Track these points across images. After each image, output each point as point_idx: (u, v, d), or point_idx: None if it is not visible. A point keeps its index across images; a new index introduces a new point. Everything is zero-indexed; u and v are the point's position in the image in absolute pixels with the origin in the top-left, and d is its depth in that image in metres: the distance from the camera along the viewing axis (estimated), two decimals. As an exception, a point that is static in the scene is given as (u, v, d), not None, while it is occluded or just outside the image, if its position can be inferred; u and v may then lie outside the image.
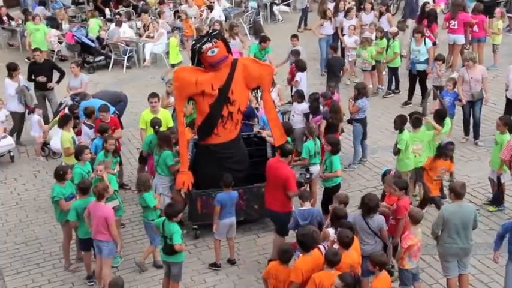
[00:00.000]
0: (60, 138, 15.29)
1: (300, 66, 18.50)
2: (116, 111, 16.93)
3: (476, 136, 17.04)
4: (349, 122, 16.71)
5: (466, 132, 17.33)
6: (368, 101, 16.74)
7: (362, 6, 23.90)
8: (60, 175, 12.75)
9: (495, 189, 14.28)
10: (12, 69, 18.22)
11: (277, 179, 12.54)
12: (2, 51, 25.30)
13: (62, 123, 15.36)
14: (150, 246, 12.80)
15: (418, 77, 19.46)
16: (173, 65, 21.12)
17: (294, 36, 20.49)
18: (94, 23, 25.07)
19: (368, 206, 11.20)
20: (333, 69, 19.61)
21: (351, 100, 16.52)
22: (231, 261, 12.78)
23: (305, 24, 27.68)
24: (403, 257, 11.13)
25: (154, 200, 12.48)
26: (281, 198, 12.52)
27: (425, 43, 19.20)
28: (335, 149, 13.52)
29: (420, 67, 19.12)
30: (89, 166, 13.58)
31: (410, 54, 19.47)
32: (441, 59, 18.50)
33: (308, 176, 13.85)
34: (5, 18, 26.48)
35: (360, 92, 16.46)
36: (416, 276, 11.41)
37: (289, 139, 14.23)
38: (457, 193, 11.01)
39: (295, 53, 19.22)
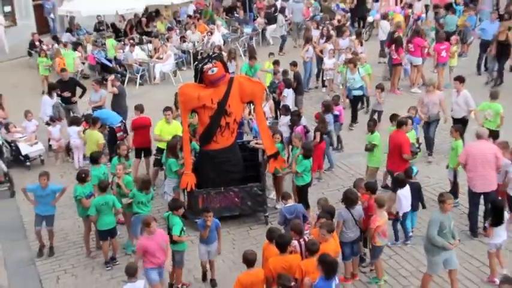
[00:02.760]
0: (93, 137, 15.72)
1: (287, 84, 18.51)
2: (123, 121, 17.15)
3: (429, 153, 16.67)
4: None
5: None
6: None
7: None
8: (82, 178, 12.82)
9: (451, 186, 14.38)
10: (52, 88, 18.41)
11: (395, 145, 13.83)
12: (34, 71, 25.17)
13: (92, 124, 15.85)
14: None
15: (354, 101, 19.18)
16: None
17: (276, 62, 19.99)
18: (109, 44, 25.03)
19: (351, 199, 11.39)
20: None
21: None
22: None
23: (281, 49, 27.51)
24: (374, 236, 11.37)
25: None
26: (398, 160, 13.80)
27: (358, 72, 18.87)
28: (307, 154, 13.55)
29: (355, 93, 18.86)
30: (104, 168, 13.66)
31: (347, 82, 19.12)
32: (380, 87, 18.29)
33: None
34: (37, 43, 26.45)
35: (326, 108, 16.51)
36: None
37: (279, 145, 14.33)
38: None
39: (284, 72, 19.13)
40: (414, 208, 12.92)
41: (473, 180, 12.59)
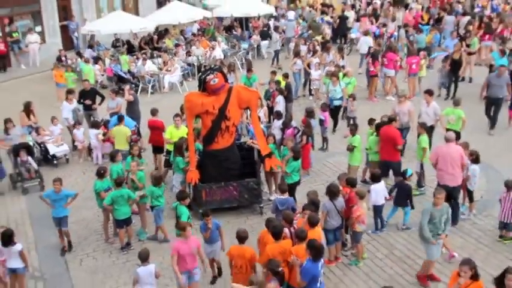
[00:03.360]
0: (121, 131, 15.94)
1: (280, 91, 18.52)
2: (136, 125, 17.10)
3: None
4: None
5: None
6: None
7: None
8: (101, 174, 12.83)
9: (418, 176, 14.54)
10: (68, 92, 18.37)
11: (388, 138, 14.00)
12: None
13: (119, 122, 16.10)
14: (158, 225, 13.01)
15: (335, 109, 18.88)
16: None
17: (273, 72, 20.24)
18: (123, 59, 25.01)
19: (333, 192, 11.41)
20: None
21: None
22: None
23: (277, 62, 27.39)
24: (354, 223, 11.44)
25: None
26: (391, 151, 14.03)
27: (339, 84, 18.71)
28: (296, 156, 13.53)
29: (336, 103, 18.63)
30: (121, 165, 13.65)
31: (329, 93, 18.88)
32: (352, 97, 18.24)
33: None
34: (63, 58, 26.42)
35: (309, 114, 16.46)
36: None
37: (272, 146, 14.28)
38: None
39: (277, 82, 19.03)
40: (400, 204, 12.83)
41: (443, 177, 12.58)
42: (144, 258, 9.91)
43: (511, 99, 16.84)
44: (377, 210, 12.78)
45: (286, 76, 19.85)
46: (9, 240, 10.55)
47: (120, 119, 16.15)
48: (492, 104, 16.62)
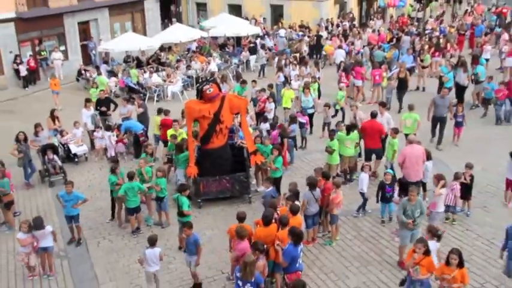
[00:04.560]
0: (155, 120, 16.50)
1: (272, 96, 18.74)
2: (144, 128, 17.03)
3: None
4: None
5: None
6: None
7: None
8: (113, 170, 12.81)
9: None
10: (86, 101, 18.24)
11: (373, 130, 14.37)
12: (81, 92, 24.89)
13: (158, 114, 16.66)
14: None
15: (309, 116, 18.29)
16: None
17: (253, 81, 20.64)
18: (132, 73, 24.81)
19: (313, 184, 11.36)
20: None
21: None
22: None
23: (263, 75, 27.11)
24: (333, 208, 11.43)
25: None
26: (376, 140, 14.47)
27: (311, 95, 18.38)
28: (280, 154, 13.50)
29: (309, 111, 18.14)
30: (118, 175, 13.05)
31: (302, 103, 18.40)
32: (327, 105, 17.65)
33: None
34: (83, 71, 26.27)
35: (292, 119, 16.37)
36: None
37: (259, 145, 14.18)
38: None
39: (262, 90, 18.94)
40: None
41: (410, 174, 12.59)
42: (152, 243, 9.84)
43: (455, 117, 16.53)
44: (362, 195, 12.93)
45: (271, 86, 19.71)
46: (41, 224, 10.68)
47: (159, 111, 16.70)
48: (438, 122, 16.41)
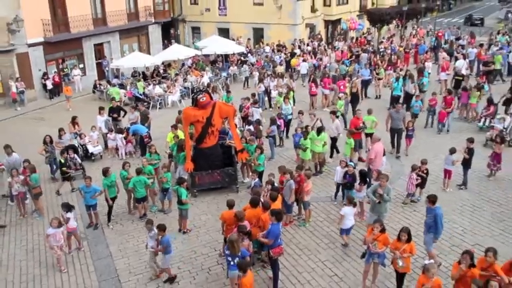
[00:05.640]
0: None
1: (255, 102, 18.80)
2: (148, 131, 16.85)
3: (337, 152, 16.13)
4: (266, 137, 16.14)
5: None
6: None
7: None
8: (123, 166, 12.81)
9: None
10: (100, 109, 18.08)
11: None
12: (96, 102, 24.66)
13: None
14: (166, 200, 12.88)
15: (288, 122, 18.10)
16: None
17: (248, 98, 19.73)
18: (139, 85, 24.64)
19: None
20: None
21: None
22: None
23: (247, 85, 26.92)
24: (304, 196, 11.45)
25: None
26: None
27: (290, 103, 18.12)
28: (262, 152, 13.46)
29: (289, 117, 17.89)
30: (114, 176, 12.49)
31: (282, 110, 18.05)
32: (301, 112, 17.21)
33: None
34: (98, 85, 26.09)
35: (272, 121, 16.30)
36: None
37: (245, 145, 14.15)
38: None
39: (247, 99, 18.65)
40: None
41: (376, 164, 12.78)
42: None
43: (406, 130, 16.36)
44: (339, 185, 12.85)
45: (253, 95, 19.66)
46: (71, 206, 11.14)
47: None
48: (395, 133, 16.27)
